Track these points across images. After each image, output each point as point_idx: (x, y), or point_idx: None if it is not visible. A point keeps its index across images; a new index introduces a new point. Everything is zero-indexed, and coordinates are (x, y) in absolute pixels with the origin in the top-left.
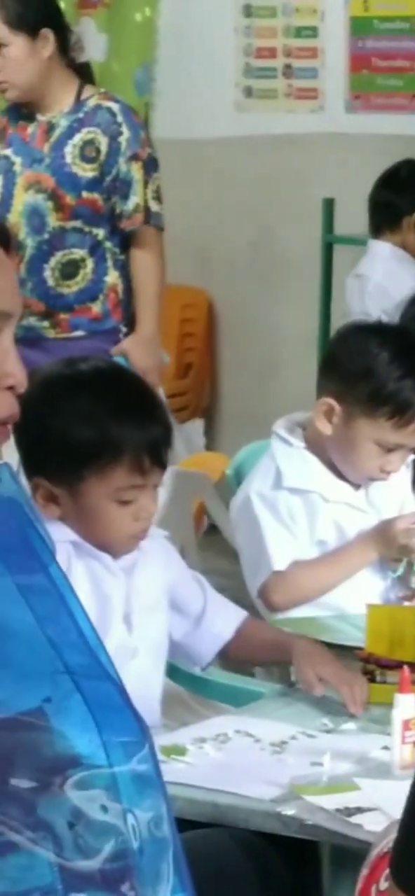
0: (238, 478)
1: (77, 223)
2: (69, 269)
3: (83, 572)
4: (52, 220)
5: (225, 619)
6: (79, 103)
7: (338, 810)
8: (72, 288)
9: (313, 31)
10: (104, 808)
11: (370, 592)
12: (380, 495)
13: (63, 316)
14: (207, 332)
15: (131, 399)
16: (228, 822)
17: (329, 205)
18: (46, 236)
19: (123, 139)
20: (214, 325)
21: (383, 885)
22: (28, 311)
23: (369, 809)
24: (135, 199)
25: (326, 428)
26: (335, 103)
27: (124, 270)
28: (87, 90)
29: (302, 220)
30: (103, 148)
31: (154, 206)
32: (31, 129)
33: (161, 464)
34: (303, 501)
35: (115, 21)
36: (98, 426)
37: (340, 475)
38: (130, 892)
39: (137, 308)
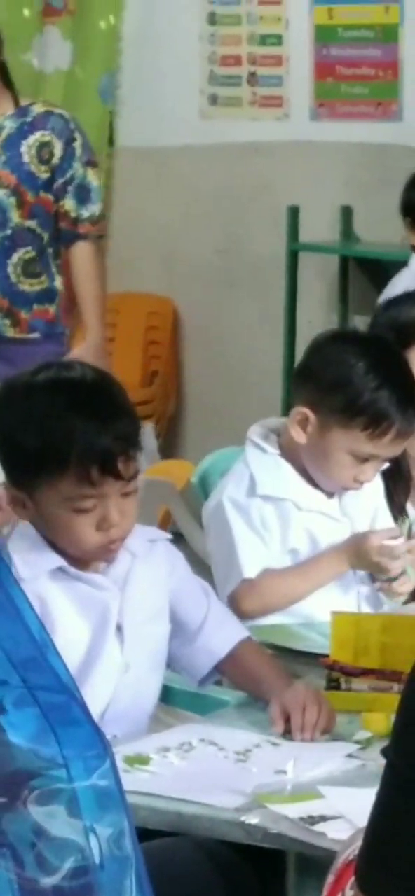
0: (203, 485)
1: (33, 223)
2: (30, 268)
3: (71, 598)
4: (15, 217)
5: (222, 637)
6: (22, 109)
7: (302, 819)
8: (34, 287)
9: (277, 39)
10: (65, 824)
11: (340, 602)
12: (353, 504)
13: (23, 315)
14: (172, 339)
15: (86, 405)
16: (192, 831)
17: (294, 212)
18: (9, 232)
19: (77, 144)
20: (179, 332)
21: (349, 892)
22: None
23: (333, 817)
24: (99, 205)
25: (300, 437)
26: (300, 111)
27: (65, 276)
28: (24, 98)
29: (267, 227)
30: (57, 151)
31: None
32: None
33: (116, 475)
34: (276, 509)
35: (79, 29)
36: (43, 433)
37: (313, 483)
38: None
39: (83, 315)
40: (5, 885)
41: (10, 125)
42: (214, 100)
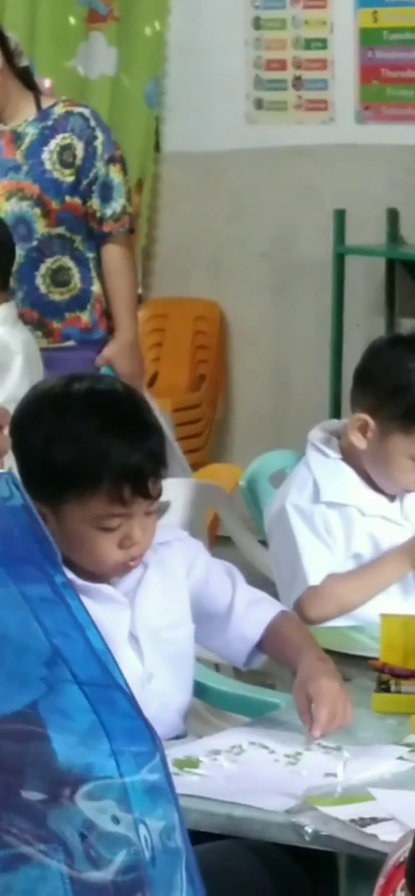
0: (251, 489)
1: (61, 229)
2: (60, 276)
3: None
4: (41, 227)
5: (253, 620)
6: (44, 112)
7: (353, 821)
8: (64, 296)
9: (322, 43)
10: (116, 819)
11: (401, 606)
12: (414, 507)
13: (55, 325)
14: (219, 343)
15: (119, 424)
16: (243, 833)
17: (340, 216)
18: (35, 243)
19: (98, 143)
20: (226, 336)
21: (400, 894)
22: (22, 321)
23: (385, 819)
24: (121, 202)
25: (360, 442)
26: (346, 114)
27: (101, 277)
28: (46, 99)
29: (313, 231)
30: (79, 153)
31: (129, 209)
32: None
33: (145, 494)
34: (340, 515)
35: (124, 35)
36: (77, 450)
37: (375, 487)
38: None
39: (115, 313)
40: (57, 880)
41: (32, 132)
42: (259, 104)
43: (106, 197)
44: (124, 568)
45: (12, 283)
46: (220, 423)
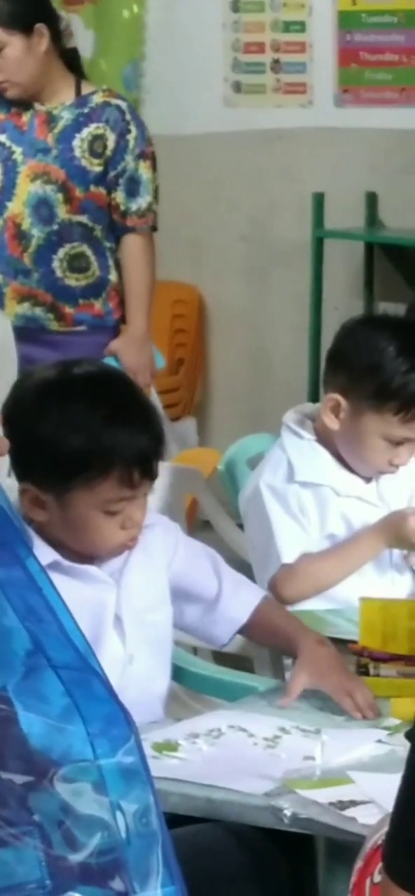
0: (230, 472)
1: (83, 218)
2: (77, 263)
3: (65, 592)
4: (62, 213)
5: (241, 602)
6: (82, 98)
7: (332, 804)
8: (80, 282)
9: (301, 26)
10: (91, 802)
11: (377, 585)
12: (390, 488)
13: (68, 310)
14: (198, 327)
15: (124, 410)
16: (222, 816)
17: (319, 199)
18: (55, 227)
19: (131, 137)
20: (205, 320)
21: (378, 877)
22: (33, 301)
23: (363, 802)
24: (147, 199)
25: (333, 423)
26: (324, 98)
27: (119, 268)
28: (87, 85)
29: (292, 214)
30: (110, 144)
31: (154, 206)
32: (26, 117)
33: (151, 475)
34: (314, 495)
35: (102, 18)
36: (88, 437)
37: (350, 468)
38: (120, 885)
39: (127, 306)
40: (34, 863)
41: (67, 116)
42: (237, 87)
43: (132, 192)
44: (122, 549)
45: (29, 263)
46: (198, 407)
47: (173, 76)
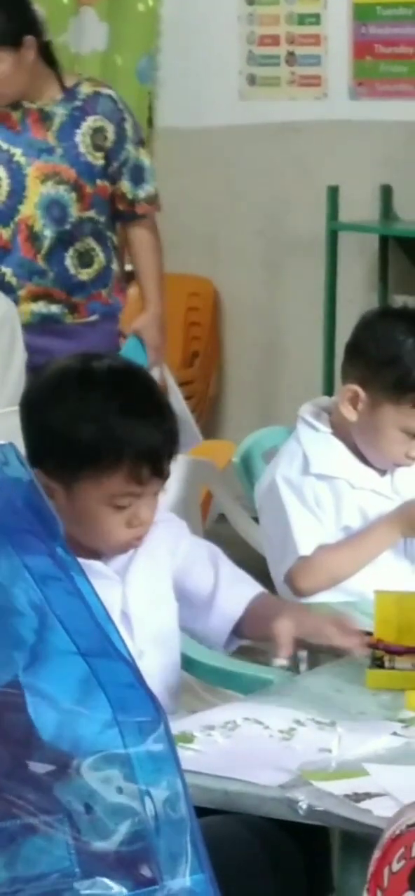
0: (245, 465)
1: (92, 213)
2: (86, 258)
3: None
4: (75, 211)
5: (236, 598)
6: (70, 91)
7: (347, 796)
8: (90, 275)
9: (315, 19)
10: (120, 790)
11: (393, 577)
12: (405, 481)
13: (81, 302)
14: (213, 320)
15: (139, 404)
16: (238, 808)
17: (334, 192)
18: (68, 227)
19: (128, 125)
20: (220, 313)
21: (396, 866)
22: (49, 299)
23: (378, 795)
24: (153, 184)
25: (351, 414)
26: (339, 90)
27: (118, 257)
28: (68, 77)
29: (307, 207)
30: (110, 135)
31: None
32: (15, 116)
33: (161, 474)
34: (329, 487)
35: (117, 11)
36: (100, 427)
37: (365, 461)
38: (148, 873)
39: (144, 287)
40: (63, 851)
41: (61, 112)
42: (252, 80)
43: (138, 179)
44: (127, 546)
45: (43, 263)
46: (213, 400)
47: (188, 69)
